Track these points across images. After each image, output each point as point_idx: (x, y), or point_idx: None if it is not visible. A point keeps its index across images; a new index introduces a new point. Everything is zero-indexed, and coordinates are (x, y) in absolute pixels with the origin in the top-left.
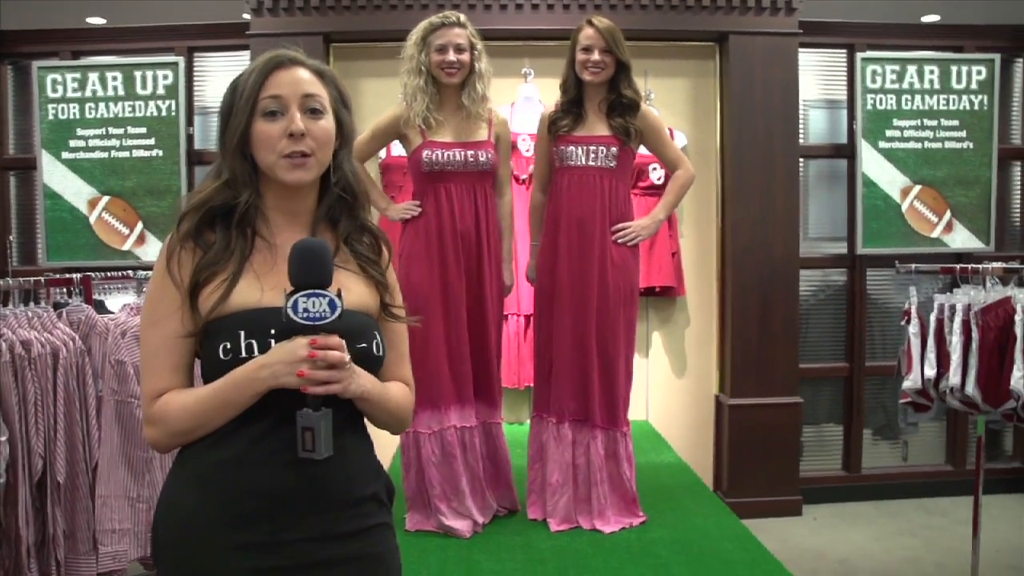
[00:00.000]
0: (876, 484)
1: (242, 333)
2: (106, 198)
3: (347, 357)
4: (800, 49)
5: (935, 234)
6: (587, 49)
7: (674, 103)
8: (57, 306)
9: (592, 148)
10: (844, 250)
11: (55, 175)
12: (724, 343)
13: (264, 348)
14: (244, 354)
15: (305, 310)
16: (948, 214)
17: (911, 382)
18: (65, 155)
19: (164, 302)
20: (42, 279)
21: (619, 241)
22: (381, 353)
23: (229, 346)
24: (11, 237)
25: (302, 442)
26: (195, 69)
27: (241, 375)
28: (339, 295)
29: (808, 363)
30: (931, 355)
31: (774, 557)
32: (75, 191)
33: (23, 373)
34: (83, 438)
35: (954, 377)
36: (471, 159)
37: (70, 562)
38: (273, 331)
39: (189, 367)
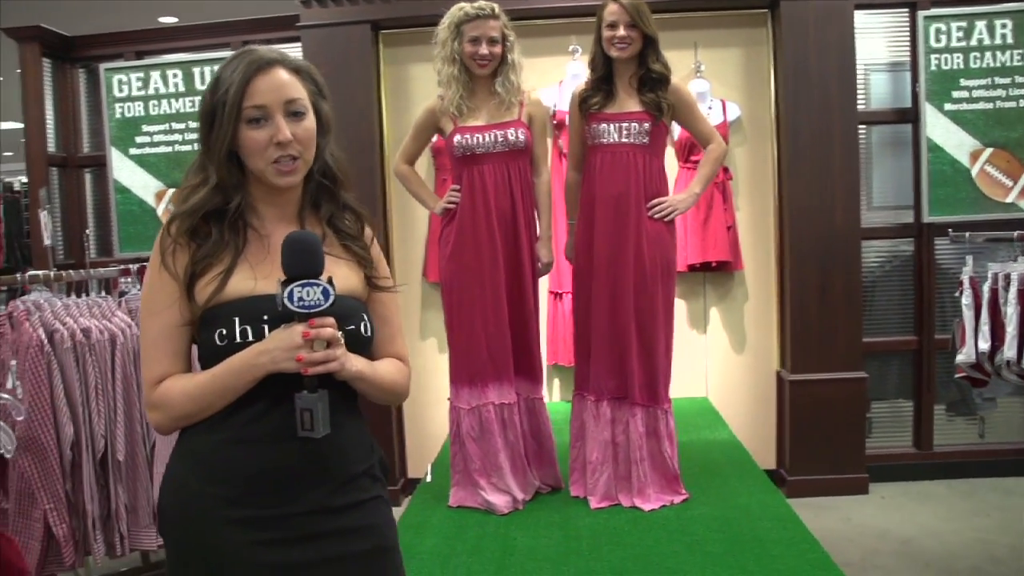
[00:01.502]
0: (950, 462)
1: (237, 320)
2: (171, 191)
3: (339, 333)
4: (860, 11)
5: (1010, 199)
6: (612, 25)
7: (726, 74)
8: (122, 295)
9: (624, 125)
10: (911, 219)
11: (124, 171)
12: (784, 317)
13: (257, 332)
14: (239, 339)
15: (300, 299)
16: None
17: (964, 356)
18: (132, 151)
19: (162, 294)
20: (102, 270)
21: (655, 216)
22: (369, 334)
23: (225, 332)
24: (88, 231)
25: (301, 422)
26: None
27: (240, 362)
28: (331, 283)
29: (876, 336)
30: (985, 328)
31: (813, 537)
32: (143, 185)
33: (84, 359)
34: (141, 419)
35: (1009, 350)
36: (500, 139)
37: (132, 534)
38: (266, 316)
39: (188, 353)
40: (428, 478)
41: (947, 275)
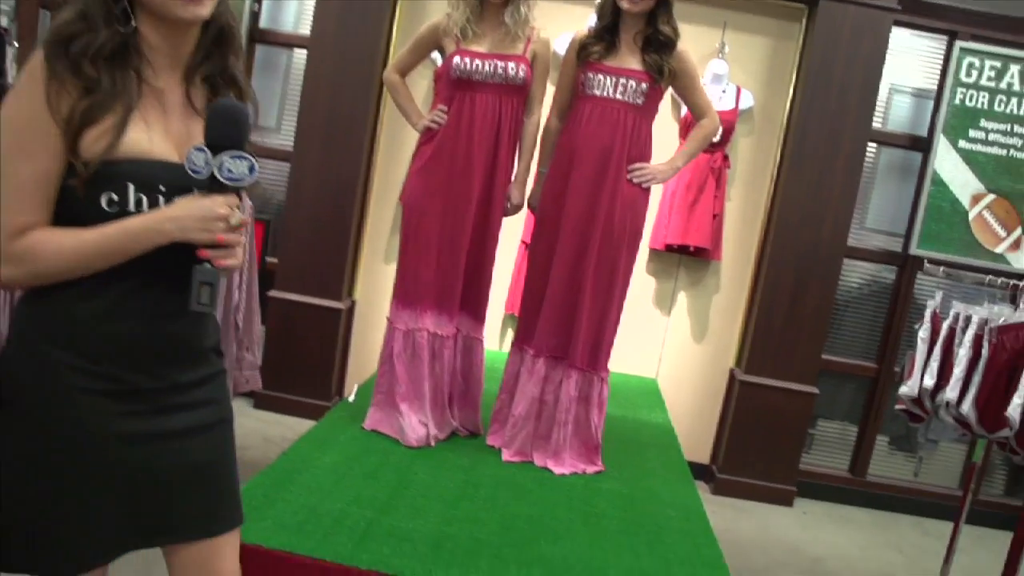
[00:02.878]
0: (879, 493)
1: (131, 186)
2: None
3: (246, 218)
4: (899, 28)
5: (999, 249)
6: None
7: (749, 61)
8: None
9: (622, 80)
10: (899, 248)
11: None
12: (750, 317)
13: (153, 203)
14: (132, 209)
15: (229, 171)
16: (1019, 231)
17: (908, 388)
18: None
19: (38, 134)
20: None
21: (634, 180)
22: (244, 214)
23: (116, 198)
24: None
25: (198, 296)
26: None
27: (140, 225)
28: (256, 159)
29: (837, 355)
30: (934, 364)
31: (712, 534)
32: None
33: None
34: None
35: (951, 391)
36: (500, 70)
37: None
38: (162, 187)
39: (54, 204)
40: (351, 398)
41: (921, 310)
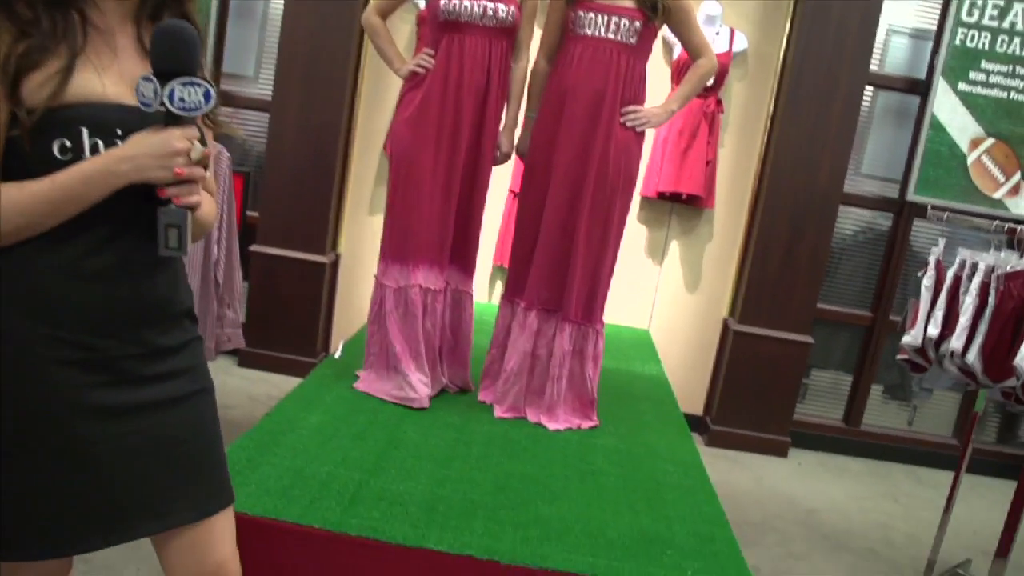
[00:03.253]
0: (874, 443)
1: (85, 131)
2: None
3: (208, 150)
4: None
5: (998, 195)
6: None
7: (742, 2)
8: None
9: (614, 19)
10: (895, 194)
11: None
12: (744, 266)
13: (110, 148)
14: (88, 155)
15: (181, 99)
16: (1018, 176)
17: (911, 338)
18: None
19: None
20: None
21: (627, 123)
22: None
23: (69, 144)
24: None
25: (166, 240)
26: None
27: (92, 169)
28: (210, 83)
29: (831, 304)
30: (939, 313)
31: (712, 489)
32: None
33: None
34: None
35: (957, 341)
36: (490, 11)
37: None
38: (119, 131)
39: (0, 158)
40: (338, 355)
41: (917, 258)
